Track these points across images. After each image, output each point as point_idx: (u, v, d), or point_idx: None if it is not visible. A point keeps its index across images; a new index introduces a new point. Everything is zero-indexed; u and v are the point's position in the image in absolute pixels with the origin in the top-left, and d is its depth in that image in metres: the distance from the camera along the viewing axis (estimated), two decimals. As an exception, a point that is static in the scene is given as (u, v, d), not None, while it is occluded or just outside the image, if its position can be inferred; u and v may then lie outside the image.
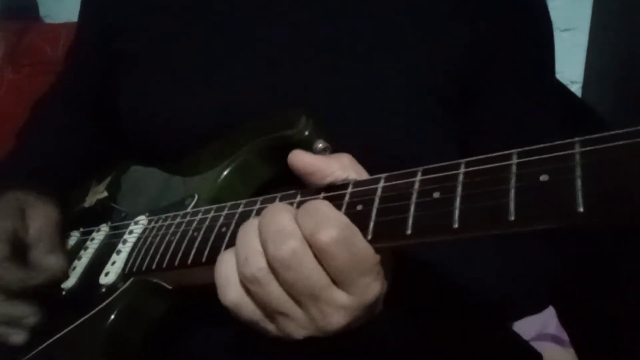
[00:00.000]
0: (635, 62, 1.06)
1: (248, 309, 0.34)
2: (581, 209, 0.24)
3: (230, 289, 0.34)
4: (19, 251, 0.51)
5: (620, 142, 0.25)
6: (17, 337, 0.49)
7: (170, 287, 0.45)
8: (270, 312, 0.34)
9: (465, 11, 0.51)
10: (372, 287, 0.33)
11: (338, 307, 0.33)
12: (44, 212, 0.53)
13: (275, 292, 0.33)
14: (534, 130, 0.52)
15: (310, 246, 0.32)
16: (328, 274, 0.32)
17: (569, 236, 0.54)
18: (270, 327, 0.35)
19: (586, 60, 1.32)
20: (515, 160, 0.28)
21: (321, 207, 0.33)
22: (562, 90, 0.89)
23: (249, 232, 0.34)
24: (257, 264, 0.33)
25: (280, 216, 0.33)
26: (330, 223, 0.32)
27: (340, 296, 0.33)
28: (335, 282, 0.32)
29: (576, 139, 0.27)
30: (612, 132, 0.25)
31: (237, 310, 0.35)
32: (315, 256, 0.32)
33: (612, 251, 0.82)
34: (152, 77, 0.57)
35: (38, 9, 1.47)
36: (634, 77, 1.06)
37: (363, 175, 0.37)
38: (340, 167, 0.37)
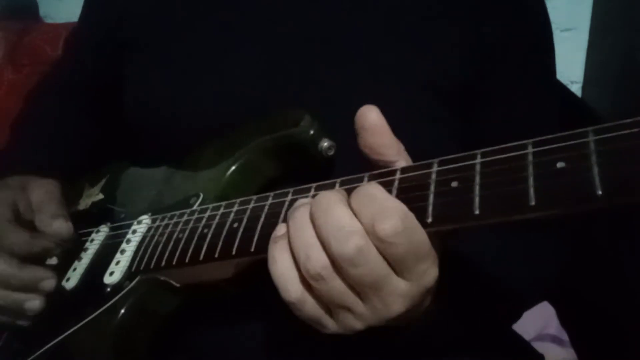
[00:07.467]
0: (635, 62, 1.06)
1: (310, 304, 0.34)
2: (600, 192, 0.25)
3: (292, 286, 0.33)
4: (23, 223, 0.51)
5: (633, 130, 0.26)
6: (33, 302, 0.49)
7: (178, 285, 0.45)
8: (332, 306, 0.34)
9: (469, 13, 0.52)
10: (430, 272, 0.33)
11: (399, 295, 0.32)
12: (45, 187, 0.54)
13: (338, 287, 0.32)
14: (536, 132, 0.52)
15: (370, 236, 0.31)
16: (388, 263, 0.32)
17: (570, 236, 0.54)
18: (329, 323, 0.35)
19: (586, 60, 1.32)
20: (531, 149, 0.29)
21: (376, 193, 0.32)
22: (562, 90, 0.89)
23: (304, 226, 0.33)
24: (321, 262, 0.32)
25: (336, 209, 0.32)
26: (389, 212, 0.31)
27: (400, 284, 0.32)
28: (394, 270, 0.32)
29: (589, 128, 0.28)
30: (623, 121, 0.27)
31: (301, 306, 0.34)
32: (376, 247, 0.32)
33: (614, 251, 0.82)
34: (158, 69, 0.56)
35: (38, 9, 1.46)
36: (634, 77, 1.06)
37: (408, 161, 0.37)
38: (397, 151, 0.36)
